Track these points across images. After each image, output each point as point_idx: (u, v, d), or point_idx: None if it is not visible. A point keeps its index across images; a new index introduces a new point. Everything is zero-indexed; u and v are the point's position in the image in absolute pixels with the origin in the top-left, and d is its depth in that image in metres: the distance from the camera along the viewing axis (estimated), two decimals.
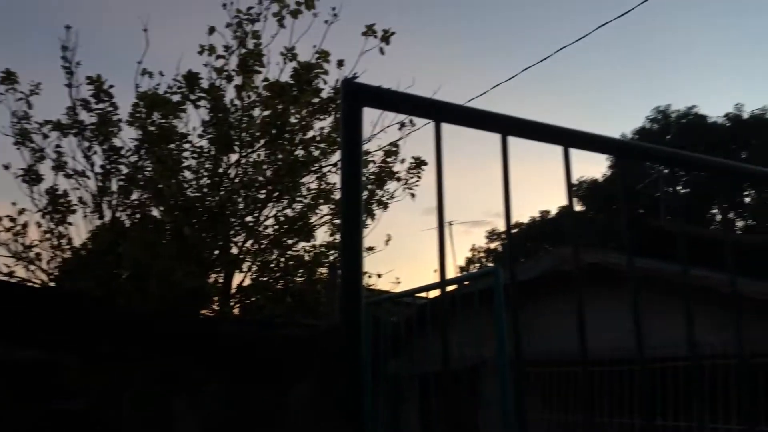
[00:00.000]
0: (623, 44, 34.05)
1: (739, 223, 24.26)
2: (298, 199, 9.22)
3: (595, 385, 7.97)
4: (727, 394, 6.04)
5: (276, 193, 8.82)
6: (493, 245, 31.46)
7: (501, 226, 32.90)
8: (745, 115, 25.01)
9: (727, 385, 5.93)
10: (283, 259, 9.37)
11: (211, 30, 8.39)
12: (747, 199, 24.41)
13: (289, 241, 9.31)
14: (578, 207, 27.31)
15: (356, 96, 1.20)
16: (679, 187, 24.47)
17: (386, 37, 8.35)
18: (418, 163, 9.40)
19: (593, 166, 26.98)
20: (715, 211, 24.06)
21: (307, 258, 9.59)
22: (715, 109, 37.12)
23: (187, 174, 8.71)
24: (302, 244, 9.48)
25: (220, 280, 8.89)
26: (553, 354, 7.93)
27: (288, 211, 9.28)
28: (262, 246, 9.09)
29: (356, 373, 1.13)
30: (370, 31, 8.33)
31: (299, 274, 9.74)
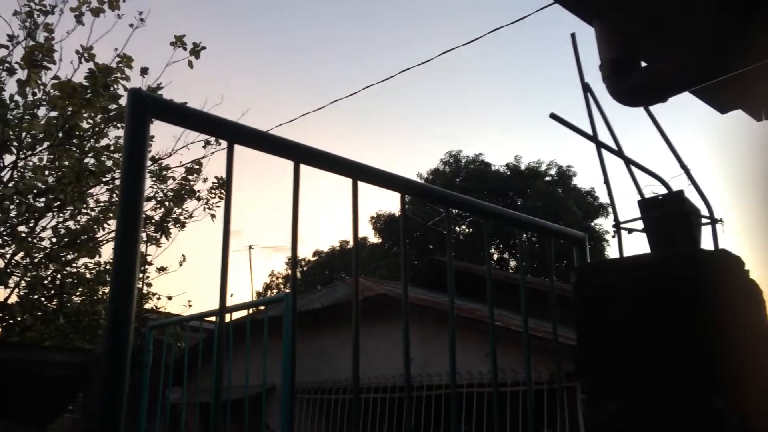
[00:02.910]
0: (424, 90, 36.69)
1: (512, 263, 27.02)
2: (84, 211, 8.47)
3: (370, 411, 8.28)
4: (487, 418, 6.64)
5: (57, 203, 8.01)
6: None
7: (301, 253, 33.13)
8: (523, 166, 28.17)
9: (486, 409, 6.53)
10: (59, 276, 8.51)
11: None
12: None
13: (69, 256, 8.49)
14: (376, 239, 28.51)
15: (144, 107, 1.16)
16: (464, 227, 26.72)
17: (196, 51, 8.08)
18: (221, 184, 9.18)
19: (391, 201, 28.50)
20: (493, 250, 26.58)
21: (88, 275, 8.81)
22: (498, 159, 41.31)
23: None
24: (84, 260, 8.70)
25: None
26: (339, 381, 8.11)
27: (70, 223, 8.49)
28: (36, 260, 8.16)
29: (118, 400, 1.06)
30: (179, 42, 8.01)
31: (78, 293, 8.91)
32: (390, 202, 29.12)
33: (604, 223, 26.25)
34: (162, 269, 9.72)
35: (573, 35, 1.99)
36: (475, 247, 25.18)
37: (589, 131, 2.10)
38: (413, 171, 30.49)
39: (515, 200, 26.92)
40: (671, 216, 2.04)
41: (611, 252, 25.16)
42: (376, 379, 8.02)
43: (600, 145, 1.99)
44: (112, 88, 7.52)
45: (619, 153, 2.03)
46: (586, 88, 2.03)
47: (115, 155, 8.22)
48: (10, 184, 7.70)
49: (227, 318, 3.91)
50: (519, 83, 38.52)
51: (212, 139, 8.68)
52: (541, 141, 41.02)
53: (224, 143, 1.37)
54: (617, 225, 2.20)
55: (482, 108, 39.96)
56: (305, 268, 31.50)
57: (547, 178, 27.76)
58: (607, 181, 2.09)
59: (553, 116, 1.94)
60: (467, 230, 26.84)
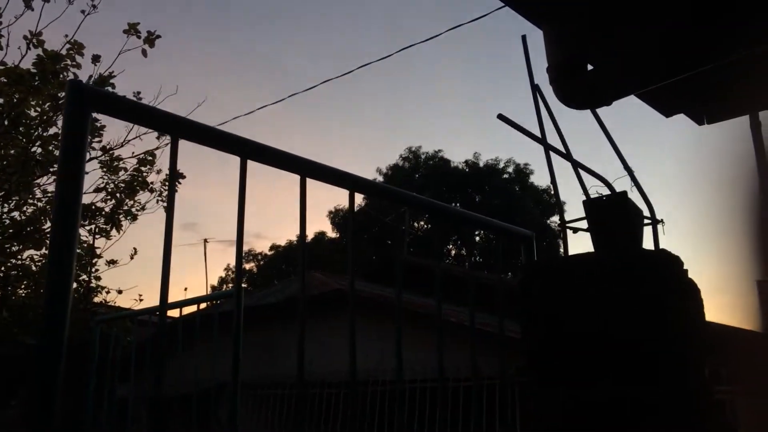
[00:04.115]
0: (385, 84, 36.77)
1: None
2: (30, 201, 8.21)
3: (324, 406, 8.29)
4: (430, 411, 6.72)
5: (2, 193, 7.75)
6: (248, 266, 31.19)
7: (257, 247, 32.78)
8: (481, 164, 28.49)
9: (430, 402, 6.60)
10: (3, 268, 8.23)
11: None
12: (477, 238, 27.63)
13: (14, 248, 8.22)
14: (333, 234, 28.45)
15: (83, 99, 1.13)
16: (422, 222, 26.88)
17: (150, 40, 7.90)
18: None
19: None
20: (450, 246, 26.84)
21: (34, 268, 8.55)
22: (457, 156, 41.71)
23: None
24: (30, 252, 8.44)
25: None
26: (292, 377, 8.07)
27: (16, 214, 8.22)
28: None
29: (52, 394, 1.04)
30: (132, 29, 7.82)
31: (23, 286, 8.64)
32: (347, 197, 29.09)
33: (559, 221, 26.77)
34: (112, 262, 9.50)
35: (524, 37, 2.03)
36: (432, 242, 25.35)
37: (539, 132, 2.14)
38: (373, 166, 30.54)
39: (473, 197, 27.22)
40: (614, 216, 2.10)
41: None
42: (330, 375, 8.01)
43: (547, 147, 2.03)
44: (61, 76, 7.30)
45: (566, 155, 2.07)
46: (536, 90, 2.07)
47: None
48: None
49: (177, 313, 3.85)
50: (478, 81, 38.92)
51: None
52: (500, 139, 41.57)
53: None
54: (563, 224, 2.25)
55: (442, 105, 40.26)
56: (262, 263, 31.22)
57: (505, 176, 28.16)
58: (554, 182, 2.13)
59: (501, 117, 1.98)
60: (425, 226, 27.02)
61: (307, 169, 1.61)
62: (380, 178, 27.45)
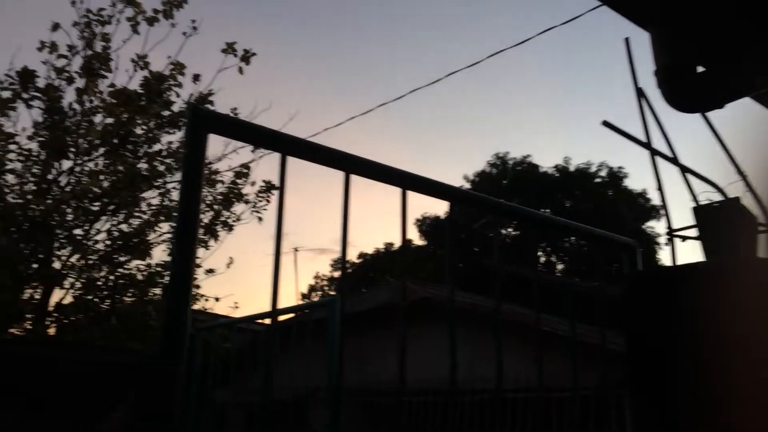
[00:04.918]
0: (471, 92, 36.54)
1: (559, 266, 26.63)
2: (136, 214, 8.71)
3: (413, 414, 8.27)
4: (529, 423, 6.55)
5: (112, 207, 8.27)
6: (336, 274, 31.75)
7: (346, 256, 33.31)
8: (572, 168, 27.71)
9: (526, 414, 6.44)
10: (112, 277, 8.77)
11: (55, 27, 7.78)
12: (566, 244, 26.88)
13: (122, 258, 8.74)
14: (420, 242, 28.49)
15: (202, 123, 1.19)
16: (510, 229, 26.43)
17: (246, 58, 8.26)
18: (269, 187, 9.31)
19: (438, 203, 28.42)
20: (540, 253, 26.21)
21: (140, 277, 9.05)
22: (546, 161, 40.77)
23: (10, 178, 7.92)
24: (136, 262, 8.95)
25: (37, 297, 8.10)
26: (383, 384, 8.13)
27: (124, 227, 8.73)
28: (90, 262, 8.44)
29: (172, 402, 1.10)
30: (230, 49, 8.20)
31: (129, 294, 9.16)
32: (434, 205, 29.06)
33: (657, 226, 25.61)
34: (210, 271, 9.93)
35: (627, 40, 1.96)
36: (522, 249, 24.88)
37: (643, 136, 2.06)
38: (459, 173, 30.38)
39: (563, 202, 26.51)
40: (726, 223, 1.99)
41: (663, 256, 24.54)
42: (417, 383, 8.00)
43: (654, 152, 1.95)
44: (165, 95, 7.74)
45: (673, 160, 1.98)
46: (640, 93, 1.99)
47: (168, 160, 8.44)
48: (67, 189, 7.99)
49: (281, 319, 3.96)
50: (569, 85, 37.96)
51: None
52: (592, 142, 40.29)
53: None
54: (671, 232, 2.15)
55: (530, 110, 39.51)
56: (349, 271, 31.68)
57: (597, 180, 27.25)
58: (660, 188, 2.04)
59: (606, 124, 1.91)
60: (513, 232, 26.57)
61: (407, 183, 1.62)
62: (467, 185, 27.25)
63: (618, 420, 5.98)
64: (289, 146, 1.35)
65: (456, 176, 29.30)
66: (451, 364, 1.68)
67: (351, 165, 1.48)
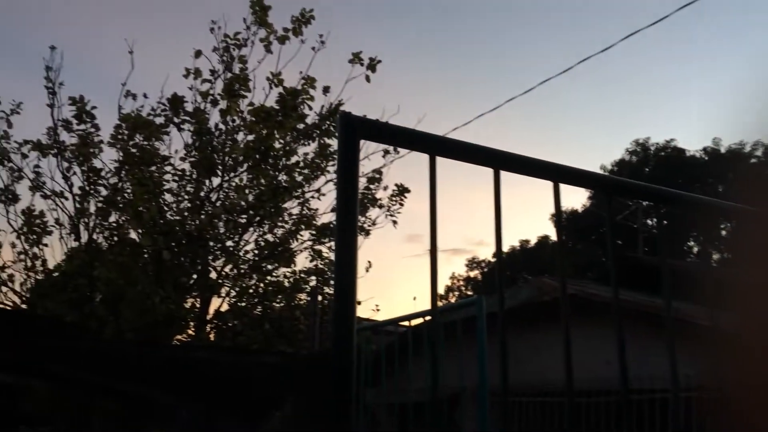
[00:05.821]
0: (603, 78, 34.84)
1: (715, 256, 24.64)
2: (279, 224, 9.18)
3: (578, 416, 7.95)
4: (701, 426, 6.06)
5: (257, 218, 8.78)
6: (473, 273, 31.51)
7: (481, 255, 32.97)
8: (723, 149, 25.55)
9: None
10: (262, 285, 9.30)
11: (198, 54, 8.42)
12: (723, 233, 24.79)
13: (269, 267, 9.25)
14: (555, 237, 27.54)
15: (354, 129, 1.21)
16: (655, 220, 24.84)
17: (372, 65, 8.44)
18: (401, 191, 9.43)
19: (572, 196, 27.34)
20: (692, 243, 24.40)
21: (286, 284, 9.52)
22: (692, 143, 37.90)
23: (168, 197, 8.65)
24: (282, 269, 9.42)
25: (197, 305, 8.77)
26: (532, 384, 7.92)
27: (269, 236, 9.24)
28: (242, 271, 9.01)
29: (346, 404, 1.11)
30: (356, 59, 8.43)
31: (278, 300, 9.66)
32: (570, 198, 27.96)
33: None
34: None
35: None
36: (670, 240, 23.29)
37: None
38: (595, 164, 29.05)
39: (715, 187, 24.48)
40: None
41: None
42: (577, 382, 7.69)
43: None
44: (299, 109, 8.10)
45: None
46: None
47: (305, 171, 8.81)
48: (218, 204, 8.59)
49: (420, 321, 3.99)
50: (713, 58, 35.06)
51: (391, 149, 8.94)
52: (744, 118, 36.84)
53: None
54: None
55: (671, 91, 36.96)
56: (485, 270, 31.32)
57: (753, 160, 24.91)
58: None
59: None
60: (657, 222, 24.94)
61: (559, 175, 1.54)
62: None
63: None
64: (437, 147, 1.33)
65: (592, 167, 28.02)
66: (620, 363, 1.57)
67: (501, 161, 1.43)
